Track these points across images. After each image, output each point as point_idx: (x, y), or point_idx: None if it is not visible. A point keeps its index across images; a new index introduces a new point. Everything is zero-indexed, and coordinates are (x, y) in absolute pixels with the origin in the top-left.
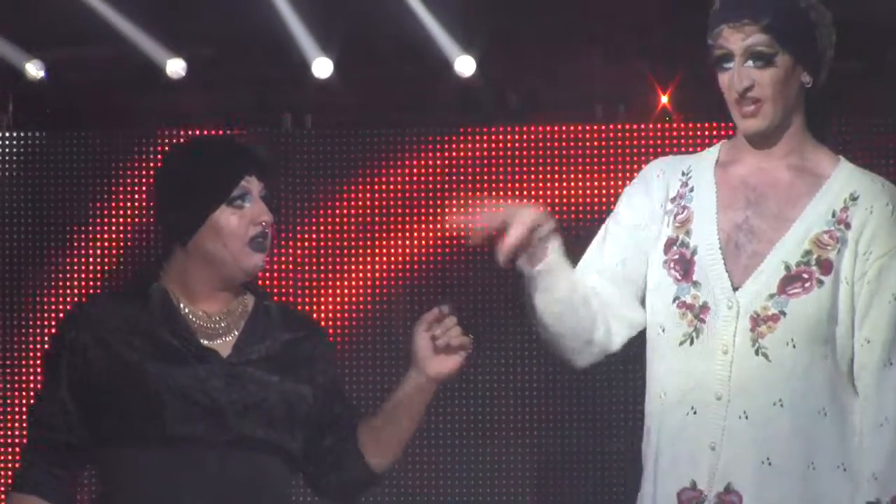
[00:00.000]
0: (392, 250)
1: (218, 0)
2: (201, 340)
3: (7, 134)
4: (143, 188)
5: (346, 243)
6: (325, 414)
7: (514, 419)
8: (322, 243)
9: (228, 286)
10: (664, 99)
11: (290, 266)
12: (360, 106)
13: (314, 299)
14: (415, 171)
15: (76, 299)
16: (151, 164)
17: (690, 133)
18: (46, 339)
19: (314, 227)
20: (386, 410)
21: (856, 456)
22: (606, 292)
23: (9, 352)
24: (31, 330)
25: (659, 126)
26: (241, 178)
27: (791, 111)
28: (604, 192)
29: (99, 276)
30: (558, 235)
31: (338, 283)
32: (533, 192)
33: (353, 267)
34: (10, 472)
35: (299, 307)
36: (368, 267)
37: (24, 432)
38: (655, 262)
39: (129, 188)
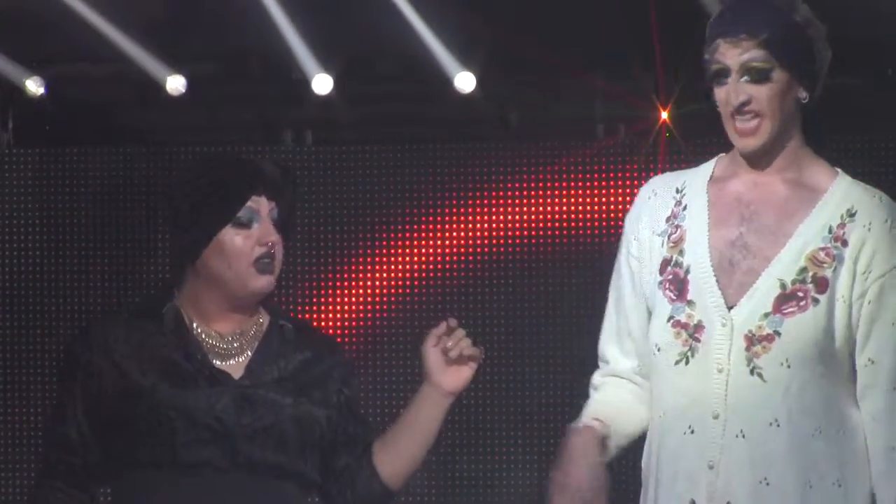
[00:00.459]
0: (392, 266)
1: (218, 17)
2: (214, 361)
3: (7, 150)
4: (145, 205)
5: (346, 259)
6: (340, 434)
7: (514, 430)
8: (322, 259)
9: (239, 306)
10: (664, 115)
11: (291, 283)
12: (360, 122)
13: (315, 315)
14: (415, 187)
15: (74, 317)
16: (152, 181)
17: (691, 149)
18: (46, 355)
19: (315, 244)
20: (400, 427)
21: (853, 472)
22: (644, 369)
23: (9, 366)
24: (31, 346)
25: (659, 142)
26: (247, 198)
27: (788, 126)
28: (604, 207)
29: (99, 293)
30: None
31: (338, 300)
32: (534, 208)
33: (353, 283)
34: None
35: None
36: (369, 283)
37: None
38: (652, 284)
39: (130, 205)
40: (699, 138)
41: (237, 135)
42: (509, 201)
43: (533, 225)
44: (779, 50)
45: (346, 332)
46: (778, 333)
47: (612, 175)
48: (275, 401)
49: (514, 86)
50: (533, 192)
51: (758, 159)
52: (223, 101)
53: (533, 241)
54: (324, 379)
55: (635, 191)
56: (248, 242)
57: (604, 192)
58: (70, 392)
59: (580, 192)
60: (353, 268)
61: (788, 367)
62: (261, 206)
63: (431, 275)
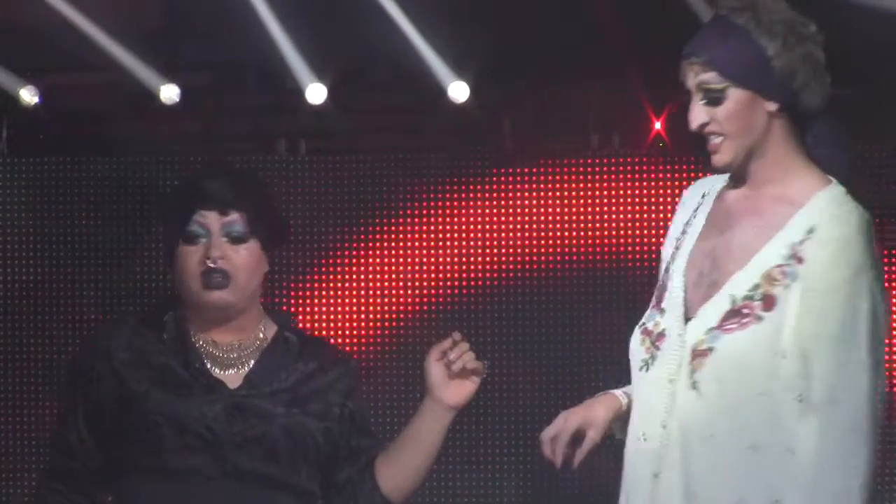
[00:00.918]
0: (386, 275)
1: (212, 26)
2: (213, 370)
3: (1, 159)
4: (139, 214)
5: (340, 269)
6: (341, 447)
7: (511, 439)
8: (316, 269)
9: (218, 319)
10: (658, 125)
11: (284, 292)
12: (354, 131)
13: (307, 323)
14: (409, 196)
15: (68, 326)
16: (146, 191)
17: (685, 160)
18: (40, 363)
19: (309, 253)
20: (403, 441)
21: (800, 494)
22: None
23: (9, 376)
24: (25, 354)
25: (654, 152)
26: (193, 214)
27: (760, 141)
28: (598, 216)
29: (92, 302)
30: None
31: (331, 309)
32: (528, 217)
33: (347, 292)
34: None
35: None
36: (362, 292)
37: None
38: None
39: (124, 214)
40: (693, 149)
41: (231, 144)
42: (503, 210)
43: (527, 234)
44: (730, 69)
45: (338, 340)
46: (712, 349)
47: (605, 184)
48: (266, 410)
49: (508, 95)
50: (527, 202)
51: (737, 175)
52: (217, 111)
53: (527, 249)
54: (325, 391)
55: (629, 200)
56: (194, 258)
57: (598, 201)
58: (73, 398)
59: (574, 201)
60: (347, 277)
61: (722, 383)
62: (210, 220)
63: (425, 284)
